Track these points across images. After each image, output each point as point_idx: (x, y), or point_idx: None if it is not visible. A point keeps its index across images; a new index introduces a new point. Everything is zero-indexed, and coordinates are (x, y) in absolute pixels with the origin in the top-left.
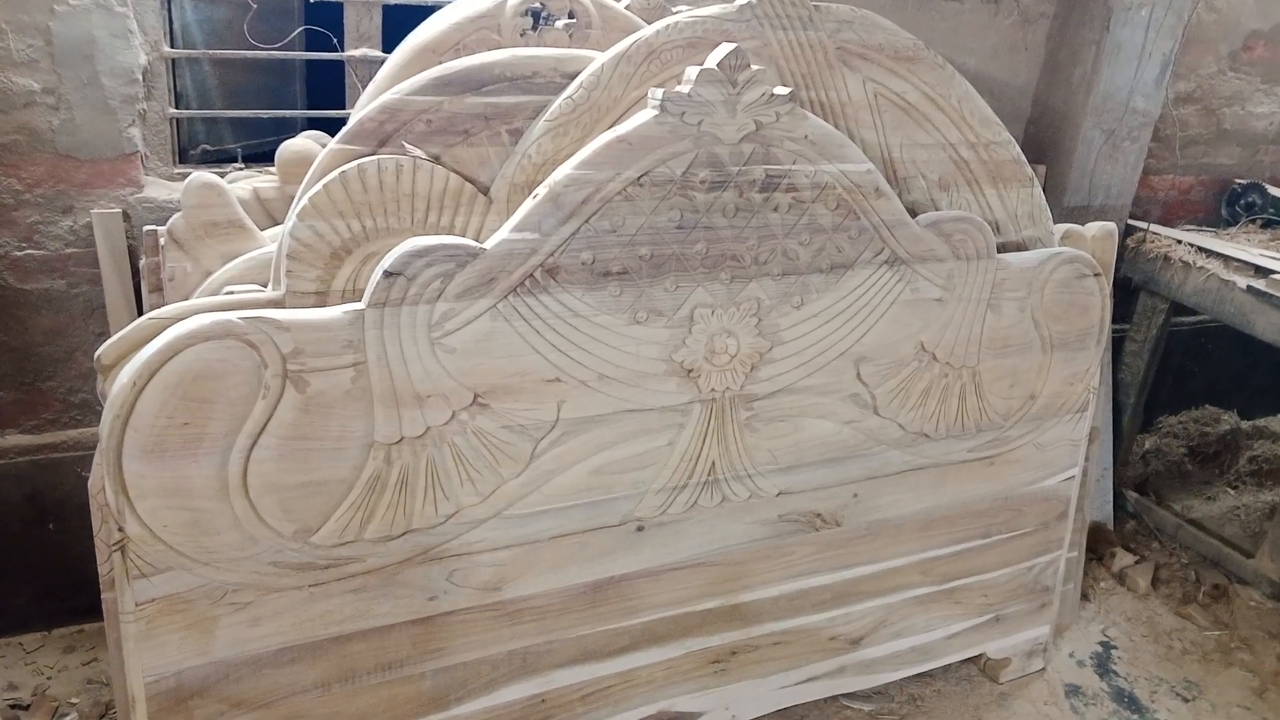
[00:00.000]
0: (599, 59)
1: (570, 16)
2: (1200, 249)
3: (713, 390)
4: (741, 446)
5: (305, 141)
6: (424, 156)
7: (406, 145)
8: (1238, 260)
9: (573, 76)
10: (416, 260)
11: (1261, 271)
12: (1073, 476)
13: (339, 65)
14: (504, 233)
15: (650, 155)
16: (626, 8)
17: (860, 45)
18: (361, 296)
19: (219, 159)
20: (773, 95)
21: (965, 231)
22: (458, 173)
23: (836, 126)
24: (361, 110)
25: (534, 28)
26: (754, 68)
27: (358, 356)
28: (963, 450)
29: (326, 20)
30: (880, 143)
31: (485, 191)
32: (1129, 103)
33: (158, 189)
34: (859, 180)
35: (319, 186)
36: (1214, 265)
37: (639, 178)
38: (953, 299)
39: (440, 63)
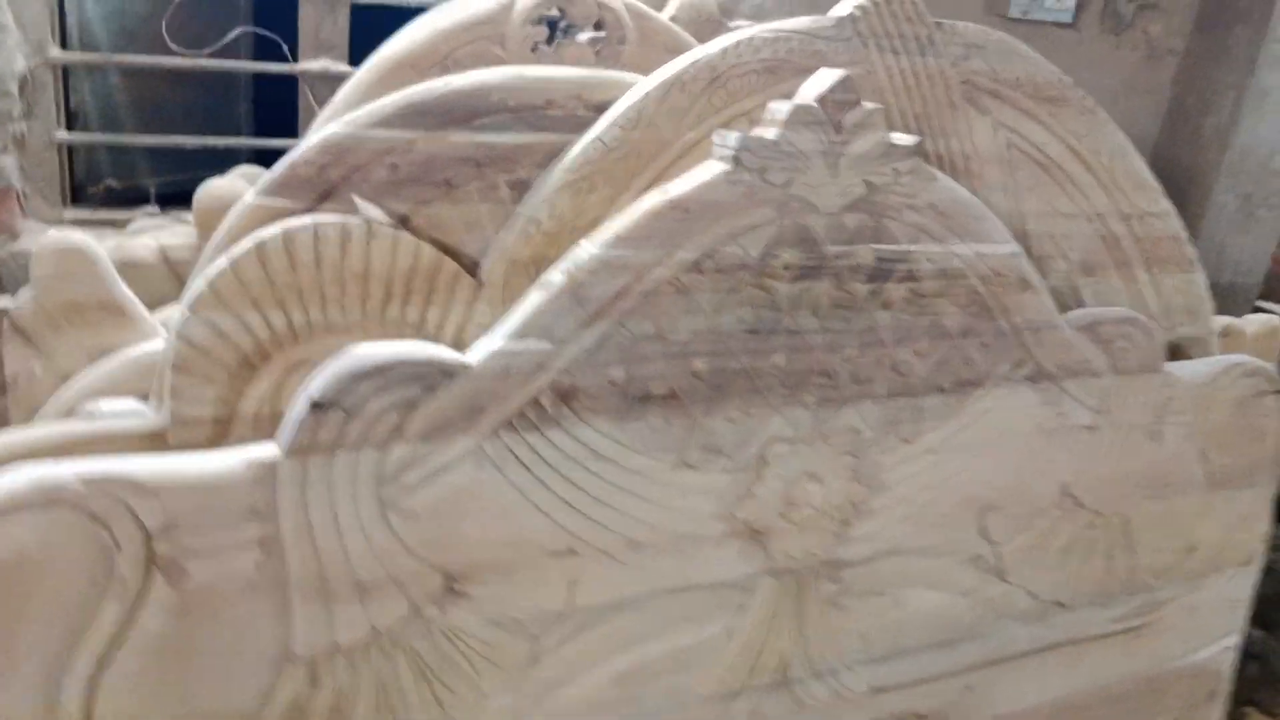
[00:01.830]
0: (641, 85)
1: (597, 28)
2: None
3: (789, 557)
4: (824, 631)
5: (235, 183)
6: (384, 219)
7: (359, 201)
8: None
9: (601, 109)
10: (361, 384)
11: None
12: (1230, 646)
13: (295, 82)
14: (499, 340)
15: (716, 228)
16: (671, 19)
17: (992, 79)
18: (281, 422)
19: (129, 199)
20: (891, 145)
21: (1129, 337)
22: (434, 242)
23: None
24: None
25: (549, 41)
26: (867, 106)
27: (266, 529)
28: (1104, 620)
29: (277, 22)
30: (1013, 210)
31: (473, 270)
32: (1270, 162)
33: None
34: (999, 266)
35: (224, 263)
36: None
37: (698, 261)
38: (1107, 425)
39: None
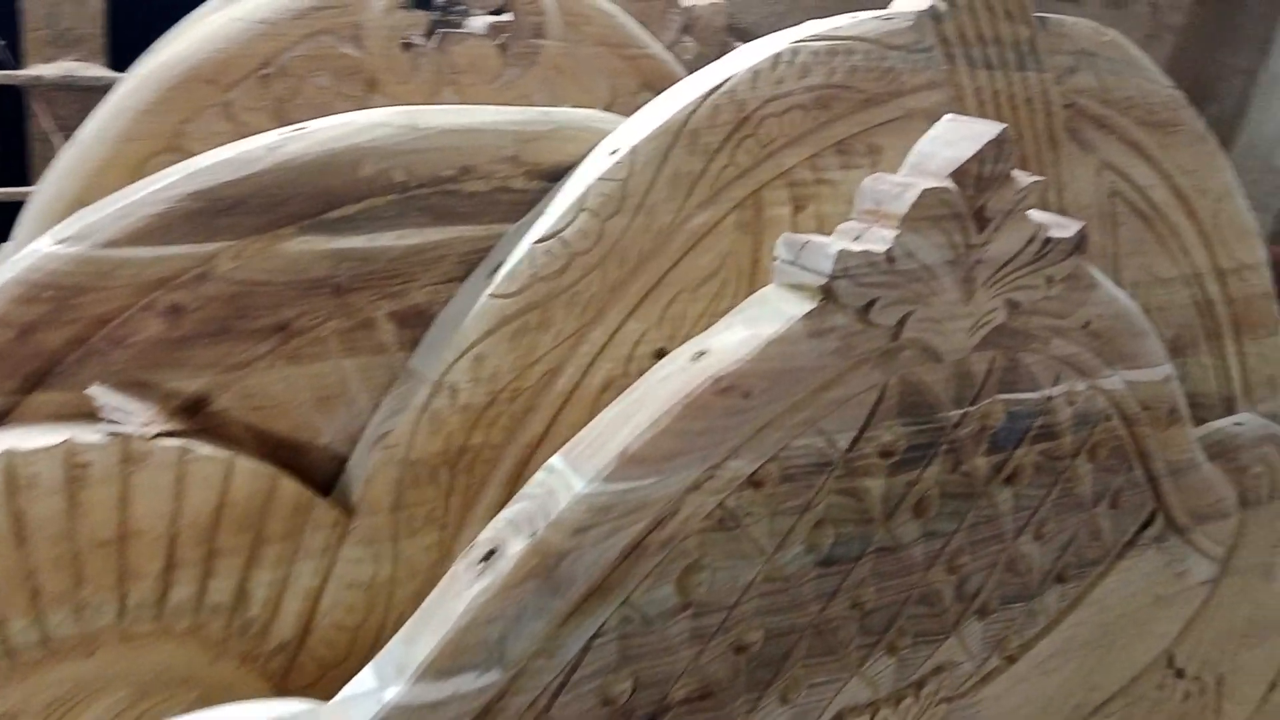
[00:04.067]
0: (623, 135)
1: (499, 11)
2: None
3: None
4: None
5: None
6: (154, 422)
7: (101, 394)
8: None
9: (554, 175)
10: None
11: None
12: None
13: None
14: (398, 684)
15: (791, 414)
16: None
17: (1101, 100)
18: None
19: None
20: (1049, 241)
21: (1266, 460)
22: (259, 438)
23: None
24: None
25: (429, 34)
26: (1022, 179)
27: None
28: None
29: None
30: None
31: (332, 483)
32: (1272, 158)
33: None
34: (1151, 398)
35: None
36: None
37: (756, 473)
38: (1229, 575)
39: (227, 104)
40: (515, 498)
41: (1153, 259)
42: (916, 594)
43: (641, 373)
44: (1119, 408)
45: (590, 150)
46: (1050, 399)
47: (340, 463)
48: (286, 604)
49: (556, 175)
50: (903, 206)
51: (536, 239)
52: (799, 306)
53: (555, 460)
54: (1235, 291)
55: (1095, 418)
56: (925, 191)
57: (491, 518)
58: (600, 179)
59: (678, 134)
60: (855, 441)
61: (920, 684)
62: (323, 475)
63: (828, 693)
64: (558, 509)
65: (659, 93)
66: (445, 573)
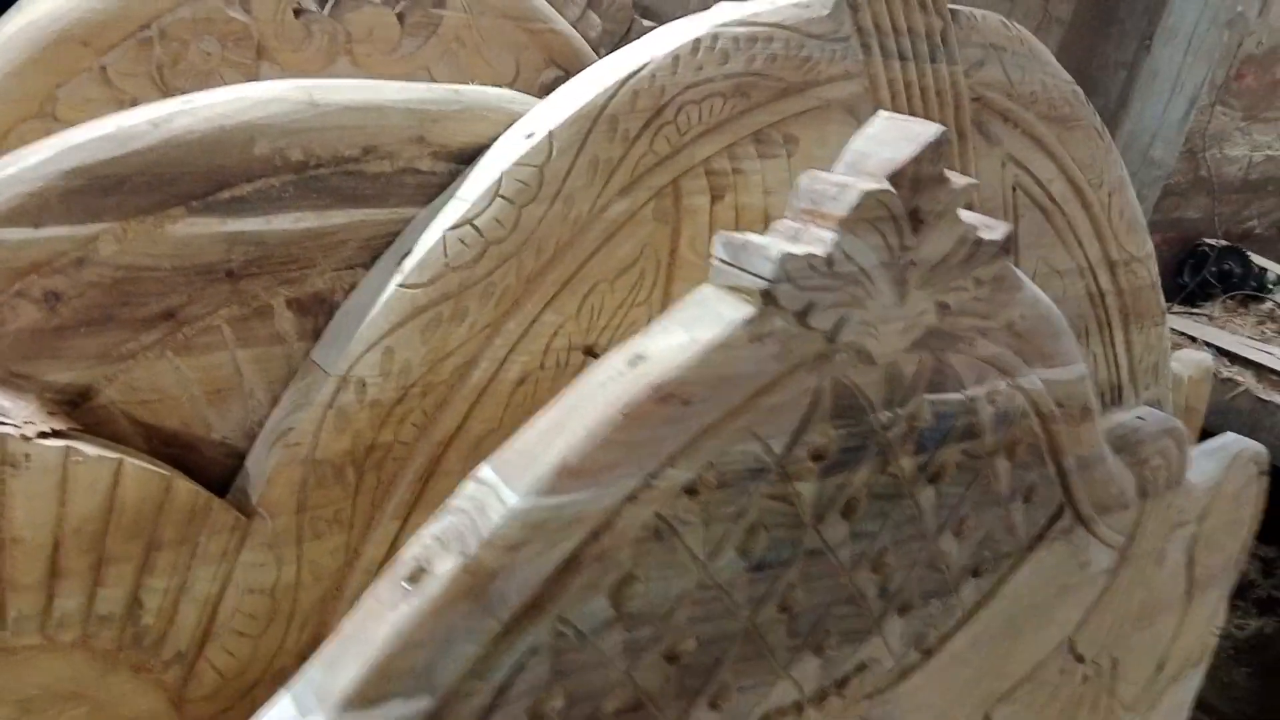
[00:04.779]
0: (539, 117)
1: None
2: (1203, 343)
3: None
4: None
5: None
6: (32, 423)
7: None
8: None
9: (463, 158)
10: None
11: None
12: None
13: None
14: (321, 719)
15: (729, 420)
16: None
17: (1007, 94)
18: None
19: None
20: (978, 242)
21: (1165, 453)
22: (148, 434)
23: None
24: None
25: (323, 1)
26: (956, 181)
27: None
28: None
29: None
30: None
31: (228, 482)
32: (1150, 150)
33: None
34: (1066, 396)
35: None
36: (1239, 374)
37: (693, 482)
38: (1126, 563)
39: (103, 68)
40: (441, 510)
41: (1050, 251)
42: (843, 594)
43: (559, 366)
44: (1036, 406)
45: (502, 132)
46: (974, 399)
47: (236, 459)
48: (183, 612)
49: (467, 157)
50: (842, 208)
51: (449, 226)
52: (739, 310)
53: (485, 471)
54: (1124, 283)
55: (1014, 416)
56: (866, 194)
57: (402, 518)
58: (516, 164)
59: (596, 119)
60: (790, 446)
61: (844, 682)
62: (217, 473)
63: (755, 696)
64: (490, 525)
65: (565, 69)
66: (352, 576)
